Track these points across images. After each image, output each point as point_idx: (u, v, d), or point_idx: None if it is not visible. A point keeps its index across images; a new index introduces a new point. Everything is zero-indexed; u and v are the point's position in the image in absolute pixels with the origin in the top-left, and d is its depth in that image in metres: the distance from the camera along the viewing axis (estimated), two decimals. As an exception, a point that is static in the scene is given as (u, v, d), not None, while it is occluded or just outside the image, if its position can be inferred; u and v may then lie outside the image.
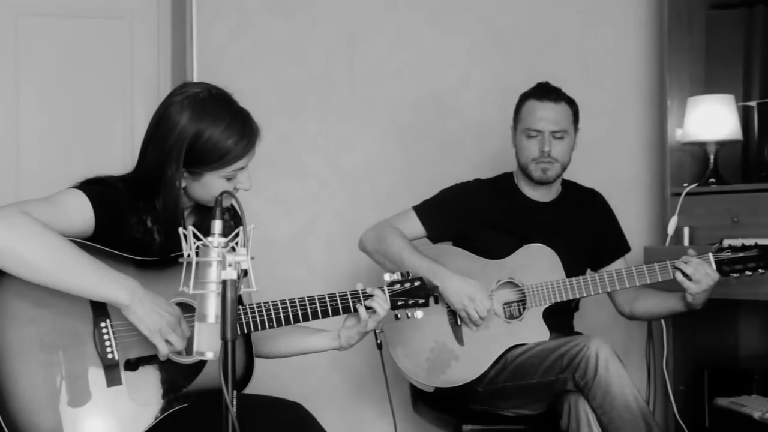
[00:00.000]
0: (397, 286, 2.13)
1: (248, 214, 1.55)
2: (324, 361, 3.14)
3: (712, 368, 2.98)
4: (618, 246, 2.73)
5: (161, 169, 1.85)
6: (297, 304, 2.02)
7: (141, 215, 1.90)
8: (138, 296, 1.74)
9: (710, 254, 2.40)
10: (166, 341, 1.79)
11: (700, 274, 2.35)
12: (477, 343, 2.47)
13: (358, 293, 2.08)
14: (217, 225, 1.54)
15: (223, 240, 1.53)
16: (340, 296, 2.07)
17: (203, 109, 1.84)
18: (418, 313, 2.16)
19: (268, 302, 2.00)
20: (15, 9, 3.13)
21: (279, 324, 2.01)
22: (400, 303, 2.13)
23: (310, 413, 1.97)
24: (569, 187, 2.73)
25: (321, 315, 2.05)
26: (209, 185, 1.88)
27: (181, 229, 1.58)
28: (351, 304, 2.07)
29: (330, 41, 3.17)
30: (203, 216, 1.99)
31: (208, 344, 1.53)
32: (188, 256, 1.56)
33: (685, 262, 2.38)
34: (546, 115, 2.55)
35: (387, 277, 2.15)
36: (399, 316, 2.17)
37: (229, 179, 1.89)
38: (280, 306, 2.01)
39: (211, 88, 1.90)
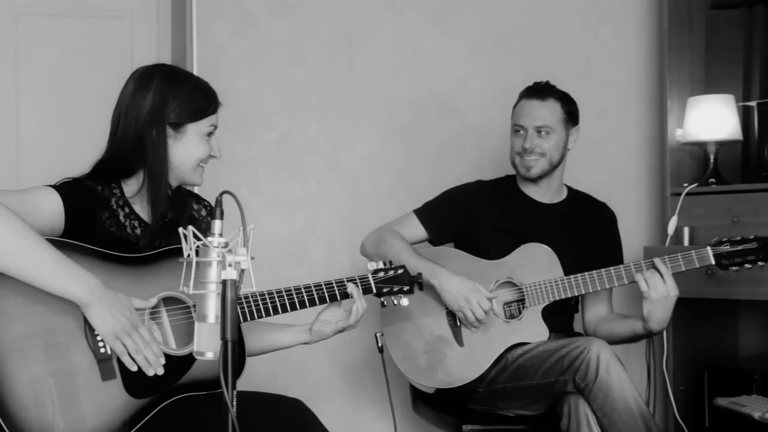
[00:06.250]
0: (381, 274, 2.20)
1: (248, 214, 1.55)
2: (324, 361, 3.14)
3: (712, 368, 2.98)
4: (613, 263, 2.54)
5: (140, 138, 1.92)
6: (284, 294, 2.07)
7: (113, 210, 1.92)
8: (97, 295, 1.75)
9: (708, 248, 2.39)
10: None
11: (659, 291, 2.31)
12: (477, 344, 2.47)
13: (343, 282, 2.14)
14: (217, 225, 1.54)
15: (223, 240, 1.53)
16: (326, 285, 2.12)
17: (169, 74, 1.97)
18: (404, 301, 2.22)
19: (255, 293, 2.03)
20: (15, 9, 3.13)
21: (267, 314, 2.04)
22: (385, 290, 2.19)
23: (311, 410, 1.98)
24: (578, 196, 2.71)
25: (308, 304, 2.10)
26: (190, 144, 1.96)
27: (181, 229, 1.59)
28: (337, 292, 2.13)
29: (330, 41, 3.17)
30: (175, 206, 2.02)
31: (208, 344, 1.53)
32: (188, 256, 1.56)
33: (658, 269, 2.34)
34: (530, 111, 2.58)
35: (371, 265, 2.22)
36: (385, 303, 2.22)
37: (208, 135, 1.98)
38: (267, 296, 2.04)
39: (160, 64, 2.05)
